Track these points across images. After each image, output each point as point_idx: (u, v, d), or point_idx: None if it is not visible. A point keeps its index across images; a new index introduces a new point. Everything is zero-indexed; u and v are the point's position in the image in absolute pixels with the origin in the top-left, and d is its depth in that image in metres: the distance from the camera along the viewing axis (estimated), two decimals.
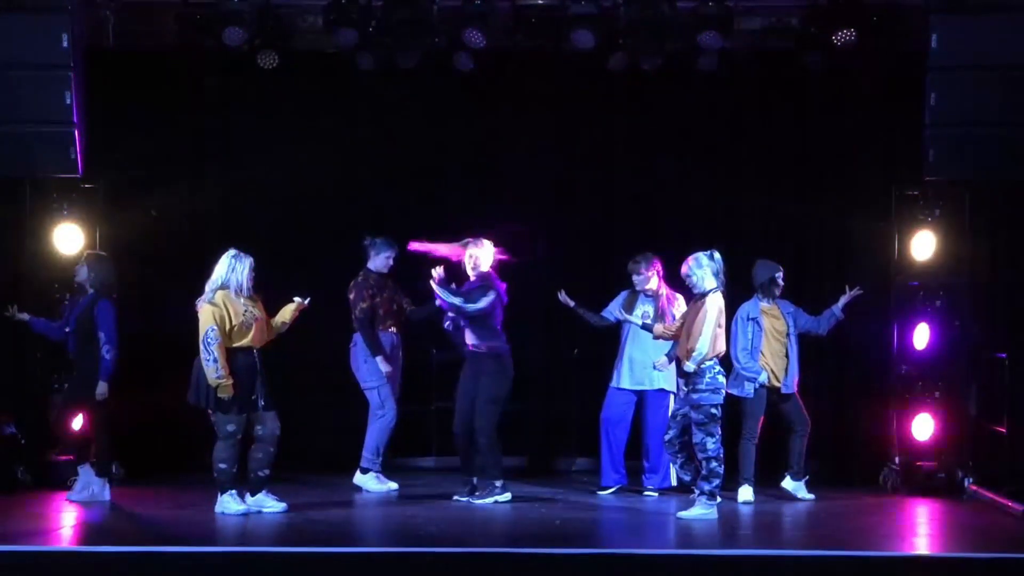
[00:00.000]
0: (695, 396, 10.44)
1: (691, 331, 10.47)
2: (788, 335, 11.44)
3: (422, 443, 13.03)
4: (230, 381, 10.28)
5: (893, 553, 9.76)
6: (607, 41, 11.97)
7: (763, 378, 11.29)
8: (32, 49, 11.24)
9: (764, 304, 11.45)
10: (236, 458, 10.48)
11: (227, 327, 10.34)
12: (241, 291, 10.45)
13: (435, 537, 9.83)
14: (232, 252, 10.53)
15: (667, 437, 10.70)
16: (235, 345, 10.38)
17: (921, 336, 12.09)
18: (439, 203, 13.00)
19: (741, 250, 11.93)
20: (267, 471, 10.60)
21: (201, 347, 10.29)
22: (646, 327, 10.96)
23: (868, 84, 12.28)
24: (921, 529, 10.84)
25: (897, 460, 12.10)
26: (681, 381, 10.57)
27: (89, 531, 10.29)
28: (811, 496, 11.49)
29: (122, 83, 12.47)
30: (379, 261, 11.79)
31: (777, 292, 11.47)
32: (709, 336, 10.37)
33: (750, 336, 11.32)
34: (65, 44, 11.23)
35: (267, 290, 10.75)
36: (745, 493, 11.27)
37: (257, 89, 12.69)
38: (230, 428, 10.42)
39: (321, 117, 13.00)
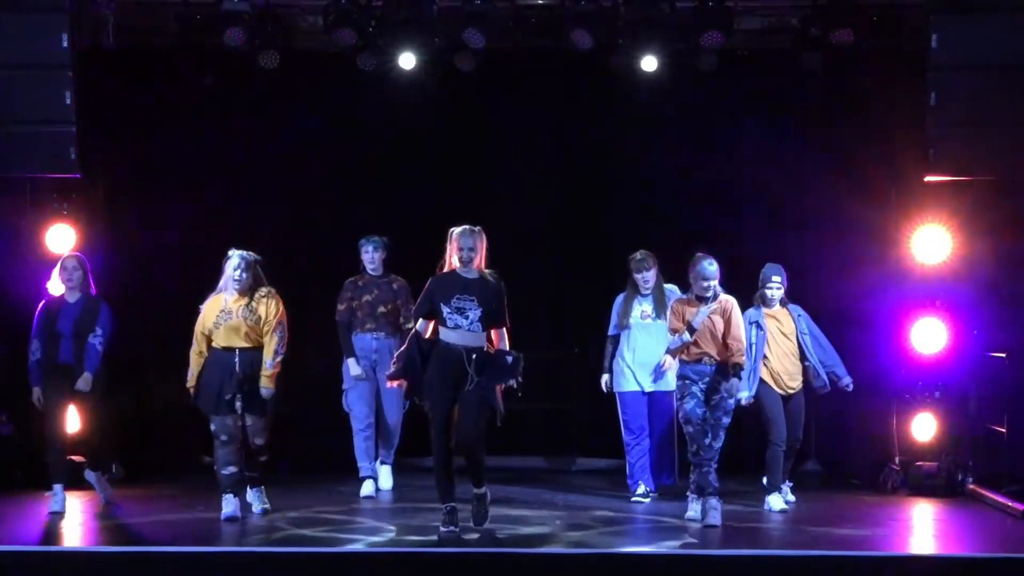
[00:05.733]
0: (730, 401, 10.32)
1: (729, 332, 10.29)
2: (798, 334, 11.10)
3: (422, 443, 12.99)
4: (190, 384, 10.40)
5: (893, 553, 9.77)
6: (607, 41, 11.97)
7: (744, 396, 10.81)
8: (32, 49, 11.23)
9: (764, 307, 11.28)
10: (225, 459, 10.41)
11: (204, 330, 10.43)
12: (227, 288, 10.44)
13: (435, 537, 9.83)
14: (228, 253, 10.53)
15: (709, 442, 10.29)
16: (213, 345, 10.45)
17: (921, 336, 12.09)
18: (439, 203, 12.97)
19: (741, 251, 11.92)
20: (253, 472, 10.59)
21: None
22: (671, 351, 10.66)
23: (868, 84, 12.27)
24: (921, 529, 10.85)
25: (897, 460, 12.10)
26: (700, 386, 10.28)
27: (89, 531, 10.28)
28: (792, 498, 11.22)
29: (122, 83, 12.46)
30: (363, 260, 11.71)
31: (766, 302, 11.08)
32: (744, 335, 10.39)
33: (753, 340, 11.07)
34: (65, 44, 11.23)
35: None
36: (776, 502, 10.92)
37: (257, 89, 12.68)
38: (212, 428, 10.45)
39: (321, 117, 12.98)
